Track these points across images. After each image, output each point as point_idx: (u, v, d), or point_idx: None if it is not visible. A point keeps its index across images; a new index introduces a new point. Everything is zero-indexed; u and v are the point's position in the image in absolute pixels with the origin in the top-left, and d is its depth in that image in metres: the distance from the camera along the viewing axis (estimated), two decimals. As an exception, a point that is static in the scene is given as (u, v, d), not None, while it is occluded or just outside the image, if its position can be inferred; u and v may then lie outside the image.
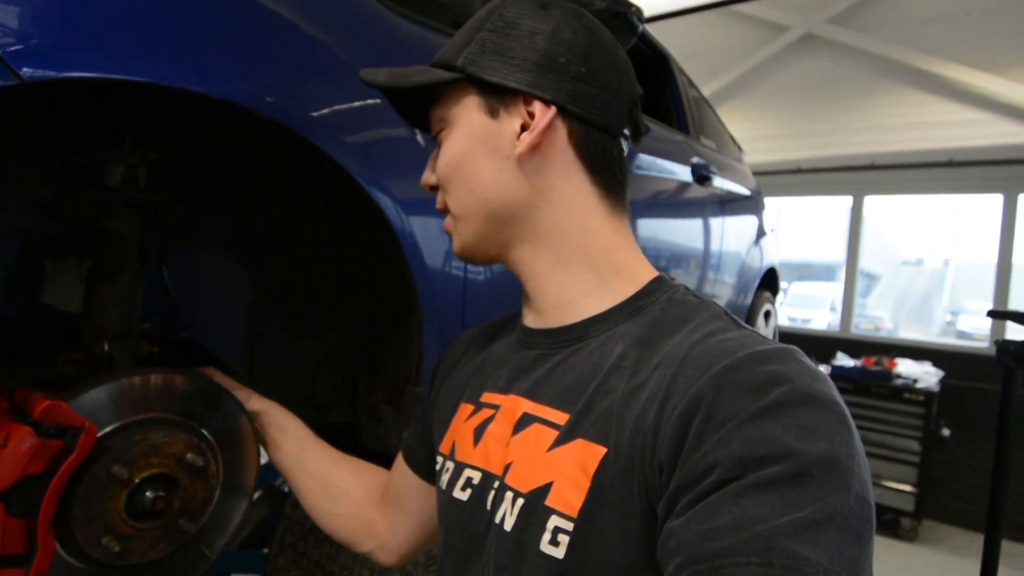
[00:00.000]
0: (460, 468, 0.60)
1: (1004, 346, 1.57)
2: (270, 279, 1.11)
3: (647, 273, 0.59)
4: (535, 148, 0.56)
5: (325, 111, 0.81)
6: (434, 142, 0.63)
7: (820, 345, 4.91)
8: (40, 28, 0.54)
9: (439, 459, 0.65)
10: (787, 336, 4.59)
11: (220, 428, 0.78)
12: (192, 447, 0.73)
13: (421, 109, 0.63)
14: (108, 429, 0.66)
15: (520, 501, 0.50)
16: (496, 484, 0.54)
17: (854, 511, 0.37)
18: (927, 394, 3.90)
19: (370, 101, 0.87)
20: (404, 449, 0.78)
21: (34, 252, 0.80)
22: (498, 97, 0.57)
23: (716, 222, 2.17)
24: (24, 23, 0.53)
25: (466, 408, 0.64)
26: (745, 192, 2.57)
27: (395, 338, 1.02)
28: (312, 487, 0.80)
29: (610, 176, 0.59)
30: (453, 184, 0.59)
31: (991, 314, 2.00)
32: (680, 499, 0.40)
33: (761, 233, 2.73)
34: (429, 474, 0.73)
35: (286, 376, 1.12)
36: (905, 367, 4.22)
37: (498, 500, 0.53)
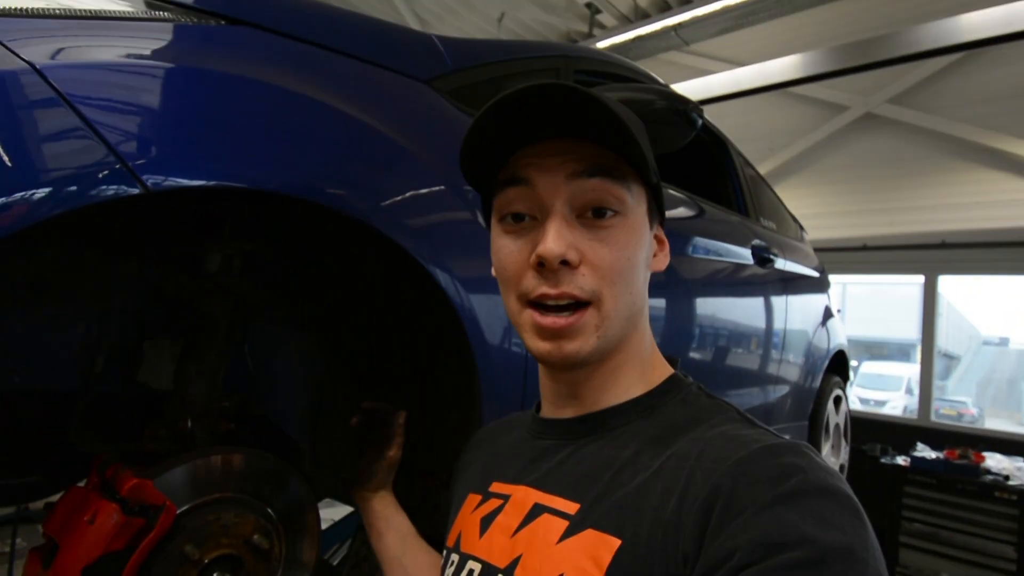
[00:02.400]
0: (464, 560, 0.58)
1: None
2: (338, 360, 1.15)
3: (664, 370, 0.60)
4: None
5: (402, 204, 0.86)
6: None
7: (897, 433, 4.58)
8: (160, 142, 0.61)
9: (444, 552, 0.63)
10: (861, 422, 4.29)
11: (286, 509, 0.80)
12: (259, 528, 0.75)
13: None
14: (184, 508, 0.69)
15: None
16: None
17: None
18: (1021, 493, 3.53)
19: (448, 196, 0.92)
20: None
21: (135, 333, 0.87)
22: (651, 213, 0.59)
23: (779, 303, 2.12)
24: (145, 137, 0.61)
25: (474, 498, 0.63)
26: (809, 272, 2.51)
27: (454, 420, 1.03)
28: None
29: None
30: (618, 281, 0.53)
31: None
32: None
33: (828, 314, 2.64)
34: None
35: (350, 456, 1.14)
36: (995, 461, 3.86)
37: None
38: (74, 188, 0.55)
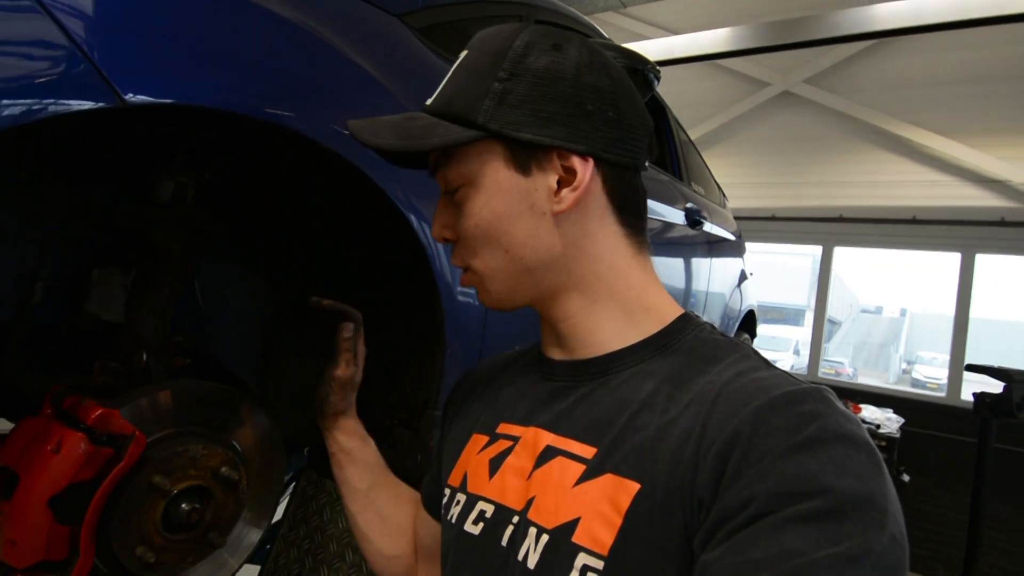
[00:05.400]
0: (473, 500, 0.57)
1: (981, 398, 1.68)
2: (290, 298, 1.12)
3: (673, 310, 0.58)
4: (574, 202, 0.55)
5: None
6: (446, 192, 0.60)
7: (788, 388, 5.05)
8: (143, 56, 0.57)
9: (447, 491, 0.62)
10: (757, 377, 4.69)
11: (251, 443, 0.79)
12: (227, 461, 0.74)
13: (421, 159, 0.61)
14: (152, 439, 0.67)
15: (545, 537, 0.49)
16: (515, 519, 0.52)
17: (888, 549, 0.38)
18: (889, 440, 4.04)
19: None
20: (424, 496, 0.74)
21: (82, 261, 0.81)
22: (528, 153, 0.54)
23: (704, 264, 2.26)
24: (127, 51, 0.56)
25: (479, 439, 0.62)
26: (730, 237, 2.68)
27: (414, 362, 1.05)
28: (371, 519, 0.75)
29: (636, 214, 0.59)
30: (483, 245, 0.56)
31: (970, 368, 2.11)
32: (717, 532, 0.41)
33: (743, 277, 2.84)
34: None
35: (298, 396, 1.13)
36: (869, 412, 4.37)
37: (519, 536, 0.51)
38: (49, 97, 0.50)
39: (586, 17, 1.62)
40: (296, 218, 1.05)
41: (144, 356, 0.78)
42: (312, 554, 1.18)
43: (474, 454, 0.61)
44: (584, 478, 0.49)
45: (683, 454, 0.45)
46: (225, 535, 0.75)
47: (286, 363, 1.14)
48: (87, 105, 0.53)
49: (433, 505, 0.71)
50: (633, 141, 0.57)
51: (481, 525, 0.55)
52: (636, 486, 0.46)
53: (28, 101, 0.50)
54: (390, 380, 1.08)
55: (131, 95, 0.55)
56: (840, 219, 5.14)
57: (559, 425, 0.55)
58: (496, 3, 1.27)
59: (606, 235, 0.57)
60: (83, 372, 0.76)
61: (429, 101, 0.58)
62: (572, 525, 0.47)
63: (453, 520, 0.58)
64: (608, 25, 6.20)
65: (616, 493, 0.46)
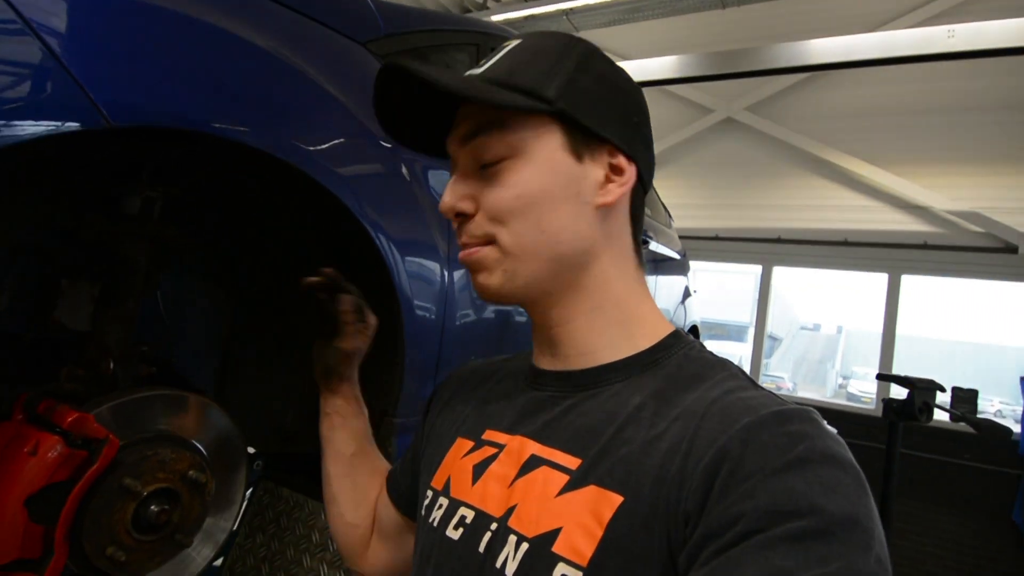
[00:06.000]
0: (455, 505, 0.57)
1: (889, 403, 1.85)
2: (249, 310, 1.16)
3: (664, 327, 0.59)
4: (617, 200, 0.56)
5: (325, 147, 0.88)
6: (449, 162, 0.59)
7: (731, 400, 5.27)
8: (127, 79, 0.62)
9: (429, 493, 0.62)
10: (702, 390, 4.89)
11: (217, 448, 0.83)
12: (194, 464, 0.78)
13: (435, 130, 0.59)
14: (124, 443, 0.70)
15: (524, 546, 0.48)
16: (493, 526, 0.52)
17: (873, 571, 0.38)
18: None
19: (369, 141, 0.97)
20: (389, 481, 0.76)
21: (50, 272, 0.83)
22: (585, 141, 0.54)
23: (650, 281, 2.38)
24: (111, 74, 0.61)
25: (464, 443, 0.62)
26: (674, 255, 2.83)
27: (374, 372, 1.10)
28: (346, 485, 0.76)
29: (640, 230, 0.61)
30: (519, 220, 0.54)
31: (879, 377, 2.33)
32: (704, 549, 0.40)
33: (687, 294, 2.99)
34: (407, 507, 0.72)
35: (256, 405, 1.16)
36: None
37: (497, 543, 0.51)
38: (39, 118, 0.54)
39: None
40: (257, 231, 1.08)
41: (111, 364, 0.80)
42: (269, 560, 1.20)
43: (458, 458, 0.61)
44: (567, 488, 0.49)
45: (669, 469, 0.45)
46: (191, 536, 0.78)
47: (243, 373, 1.17)
48: (74, 126, 0.57)
49: (394, 489, 0.73)
50: (652, 165, 0.60)
51: (461, 531, 0.54)
52: (619, 498, 0.46)
53: (19, 122, 0.54)
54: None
55: (115, 116, 0.59)
56: (779, 240, 5.44)
57: (545, 435, 0.54)
58: (453, 31, 1.35)
59: (622, 244, 0.58)
60: (44, 380, 0.78)
61: (481, 70, 0.55)
62: (553, 535, 0.47)
63: (435, 523, 0.58)
64: (563, 48, 6.39)
65: (599, 505, 0.46)
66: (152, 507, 0.73)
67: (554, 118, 0.54)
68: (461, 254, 0.57)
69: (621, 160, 0.55)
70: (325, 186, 0.86)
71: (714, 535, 0.40)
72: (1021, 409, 4.29)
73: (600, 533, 0.45)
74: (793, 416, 0.44)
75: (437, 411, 0.72)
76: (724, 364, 0.54)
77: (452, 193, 0.56)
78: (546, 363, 0.61)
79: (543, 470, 0.52)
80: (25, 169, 0.79)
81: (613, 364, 0.56)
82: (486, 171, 0.55)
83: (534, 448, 0.54)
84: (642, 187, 0.59)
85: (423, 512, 0.61)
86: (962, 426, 4.03)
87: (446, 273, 1.12)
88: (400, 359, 1.03)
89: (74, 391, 0.79)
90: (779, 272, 5.84)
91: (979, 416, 2.77)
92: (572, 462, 0.50)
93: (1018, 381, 4.48)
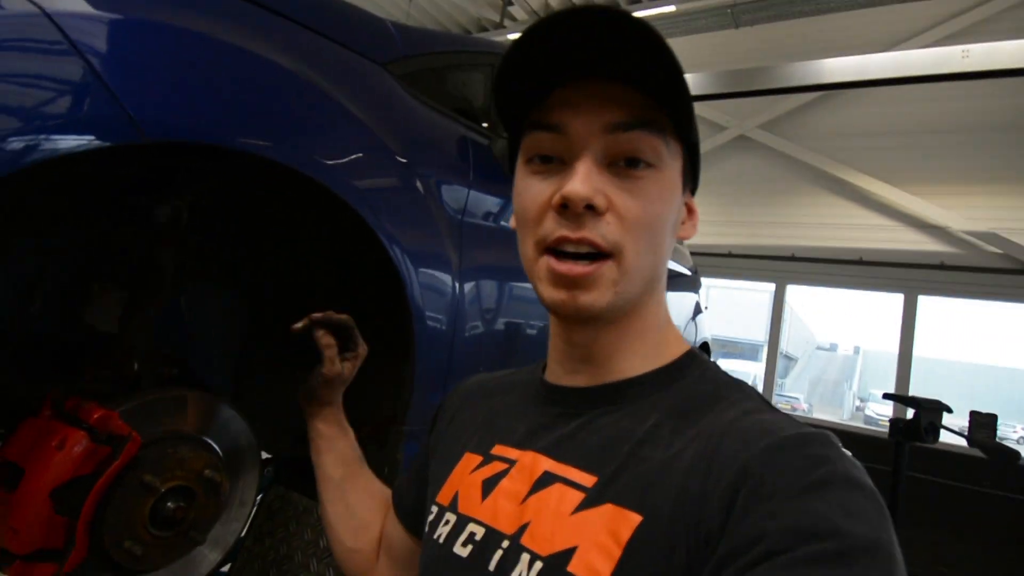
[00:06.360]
0: (463, 522, 0.55)
1: (895, 423, 1.85)
2: (266, 315, 1.19)
3: (681, 346, 0.58)
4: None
5: (345, 162, 0.92)
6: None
7: (743, 419, 5.23)
8: (163, 98, 0.66)
9: (434, 508, 0.60)
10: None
11: (232, 450, 0.86)
12: (210, 464, 0.81)
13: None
14: (146, 440, 0.74)
15: (538, 564, 0.47)
16: (505, 544, 0.51)
17: None
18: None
19: (386, 156, 1.01)
20: (394, 495, 0.75)
21: (80, 275, 0.88)
22: (690, 175, 0.56)
23: (660, 297, 2.39)
24: (150, 93, 0.65)
25: (472, 458, 0.60)
26: (685, 271, 2.84)
27: (384, 377, 1.12)
28: (339, 510, 0.76)
29: None
30: (645, 238, 0.51)
31: (886, 396, 2.31)
32: (725, 568, 0.40)
33: (698, 310, 2.99)
34: (414, 524, 0.70)
35: (271, 408, 1.19)
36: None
37: (509, 561, 0.49)
38: (80, 132, 0.58)
39: None
40: (276, 241, 1.13)
41: (135, 365, 0.84)
42: (277, 565, 1.22)
43: (466, 474, 0.59)
44: (583, 506, 0.48)
45: (689, 488, 0.44)
46: (205, 533, 0.81)
47: (259, 376, 1.20)
48: (111, 141, 0.61)
49: (400, 505, 0.72)
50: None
51: (470, 548, 0.53)
52: (638, 518, 0.45)
53: (62, 136, 0.58)
54: (359, 396, 1.15)
55: (151, 131, 0.63)
56: (792, 258, 5.41)
57: (559, 451, 0.53)
58: (469, 52, 1.40)
59: (666, 268, 0.58)
60: (71, 379, 0.81)
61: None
62: (568, 553, 0.46)
63: (441, 540, 0.56)
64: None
65: (616, 524, 0.45)
66: (169, 503, 0.76)
67: (681, 143, 0.52)
68: (564, 267, 0.50)
69: (691, 200, 0.57)
70: (344, 199, 0.89)
71: (736, 554, 0.39)
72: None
73: (618, 553, 0.44)
74: (813, 439, 0.44)
75: (444, 424, 0.70)
76: (740, 385, 0.53)
77: (587, 182, 0.48)
78: (560, 378, 0.59)
79: (557, 487, 0.50)
80: (60, 177, 0.83)
81: (629, 381, 0.55)
82: (625, 171, 0.50)
83: (547, 464, 0.53)
84: None
85: (427, 528, 0.59)
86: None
87: (457, 284, 1.15)
88: (411, 368, 1.05)
89: (99, 390, 0.82)
90: (793, 290, 5.81)
91: (998, 442, 2.74)
92: (587, 479, 0.49)
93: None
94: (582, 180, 0.48)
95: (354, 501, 0.77)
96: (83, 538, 0.67)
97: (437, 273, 1.11)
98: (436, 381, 1.13)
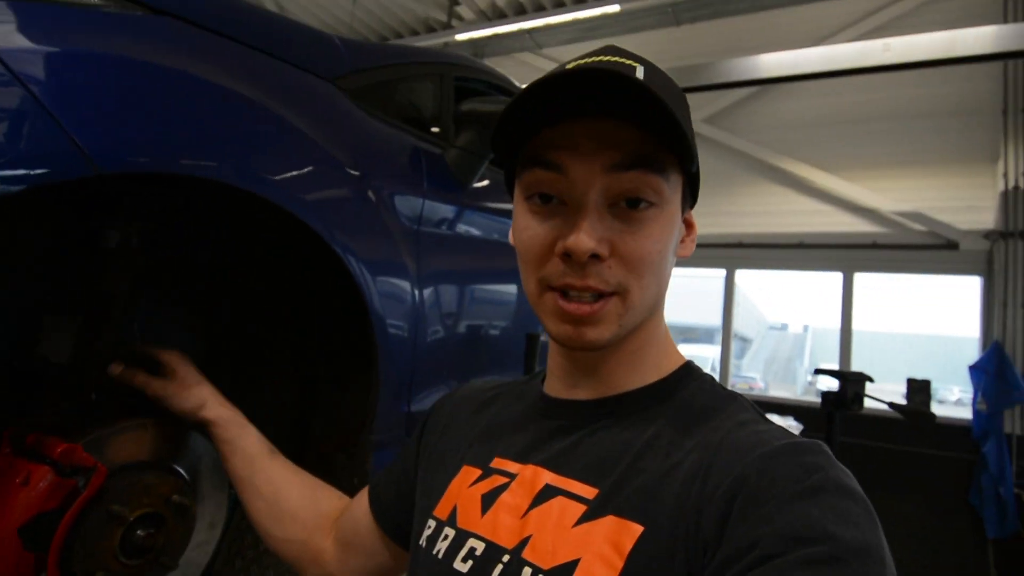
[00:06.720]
0: (463, 537, 0.55)
1: (826, 396, 2.02)
2: (224, 333, 1.19)
3: (677, 359, 0.59)
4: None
5: (292, 177, 0.93)
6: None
7: (701, 403, 5.42)
8: (113, 129, 0.66)
9: (431, 523, 0.60)
10: (673, 394, 5.03)
11: (197, 472, 0.86)
12: (177, 489, 0.81)
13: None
14: (111, 470, 0.74)
15: None
16: (506, 558, 0.51)
17: None
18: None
19: (336, 169, 1.02)
20: (372, 493, 0.76)
21: (31, 307, 0.86)
22: (690, 197, 0.57)
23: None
24: (100, 125, 0.65)
25: (471, 472, 0.60)
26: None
27: (349, 390, 1.14)
28: (260, 506, 0.77)
29: None
30: (650, 274, 0.52)
31: (817, 371, 2.51)
32: (722, 574, 0.41)
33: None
34: (387, 523, 0.72)
35: None
36: (776, 420, 4.76)
37: (510, 575, 0.49)
38: (31, 169, 0.58)
39: (503, 56, 1.78)
40: (234, 261, 1.12)
41: (93, 395, 0.83)
42: (257, 562, 1.22)
43: (465, 487, 0.59)
44: (585, 519, 0.48)
45: (687, 497, 0.45)
46: (177, 558, 0.81)
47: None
48: (64, 176, 0.61)
49: (377, 503, 0.73)
50: None
51: (470, 563, 0.53)
52: (639, 528, 0.46)
53: (14, 172, 0.58)
54: (325, 407, 1.16)
55: (104, 164, 0.63)
56: (740, 245, 5.62)
57: (559, 464, 0.54)
58: (418, 64, 1.42)
59: (666, 289, 0.57)
60: (27, 414, 0.80)
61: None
62: (571, 566, 0.46)
63: (440, 555, 0.56)
64: (524, 65, 6.54)
65: (618, 535, 0.46)
66: (139, 531, 0.76)
67: (681, 171, 0.54)
68: (571, 307, 0.51)
69: (689, 215, 0.59)
70: (298, 216, 0.91)
71: (732, 560, 0.40)
72: (976, 398, 4.50)
73: (621, 564, 0.45)
74: (806, 448, 0.46)
75: (436, 434, 0.70)
76: (735, 397, 0.55)
77: (591, 234, 0.49)
78: (559, 391, 0.60)
79: (559, 500, 0.51)
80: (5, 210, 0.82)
81: (628, 394, 0.56)
82: (627, 213, 0.50)
83: (548, 477, 0.53)
84: None
85: (424, 542, 0.59)
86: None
87: (416, 292, 1.18)
88: (375, 377, 1.07)
89: (58, 423, 0.82)
90: (742, 275, 6.03)
91: (916, 406, 2.96)
92: (589, 492, 0.50)
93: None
94: (586, 232, 0.48)
95: (270, 493, 0.78)
96: (54, 573, 0.67)
97: (396, 281, 1.13)
98: (401, 388, 1.15)
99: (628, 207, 0.50)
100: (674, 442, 0.50)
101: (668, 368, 0.57)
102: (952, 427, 4.76)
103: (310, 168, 0.97)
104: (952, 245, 4.91)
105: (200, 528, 0.86)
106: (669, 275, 0.55)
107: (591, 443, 0.54)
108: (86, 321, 0.87)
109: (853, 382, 2.02)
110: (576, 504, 0.50)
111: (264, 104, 0.90)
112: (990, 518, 4.18)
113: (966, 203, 4.90)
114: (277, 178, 0.89)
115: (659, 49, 5.90)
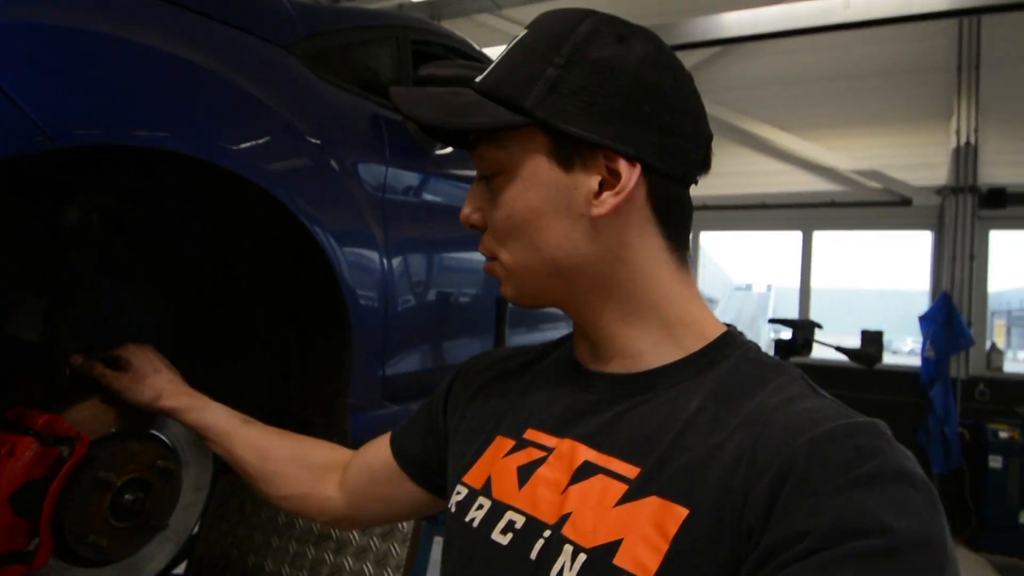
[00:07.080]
0: (501, 508, 0.54)
1: (778, 343, 2.13)
2: (195, 308, 1.19)
3: (716, 327, 0.56)
4: (615, 208, 0.52)
5: (253, 146, 0.93)
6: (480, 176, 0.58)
7: (669, 361, 5.59)
8: (68, 101, 0.66)
9: (463, 490, 0.59)
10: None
11: (178, 438, 0.89)
12: (161, 454, 0.84)
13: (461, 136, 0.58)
14: (94, 439, 0.76)
15: (582, 556, 0.46)
16: (547, 534, 0.50)
17: None
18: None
19: (296, 138, 1.03)
20: (395, 447, 0.75)
21: (-2, 285, 0.86)
22: (573, 148, 0.51)
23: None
24: (54, 98, 0.65)
25: (505, 442, 0.59)
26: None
27: (324, 356, 1.17)
28: (249, 472, 0.79)
29: (681, 227, 0.57)
30: (513, 239, 0.54)
31: (771, 321, 2.65)
32: (767, 564, 0.39)
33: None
34: (420, 475, 0.72)
35: (213, 397, 1.20)
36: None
37: (551, 552, 0.48)
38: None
39: (461, 18, 1.76)
40: (200, 236, 1.13)
41: (67, 370, 0.85)
42: (238, 546, 1.26)
43: (499, 458, 0.58)
44: (626, 499, 0.47)
45: (732, 480, 0.43)
46: (166, 519, 0.84)
47: (193, 374, 1.21)
48: (21, 150, 0.61)
49: (404, 457, 0.73)
50: (686, 151, 0.54)
51: (510, 535, 0.52)
52: (684, 511, 0.44)
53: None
54: (302, 374, 1.19)
55: (60, 137, 0.63)
56: (704, 207, 5.72)
57: (598, 440, 0.52)
58: (374, 28, 1.40)
59: (647, 247, 0.54)
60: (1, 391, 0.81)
61: (479, 78, 0.56)
62: (614, 546, 0.45)
63: (476, 524, 0.55)
64: (483, 27, 6.41)
65: (662, 517, 0.45)
66: (127, 496, 0.79)
67: (539, 128, 0.52)
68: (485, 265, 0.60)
69: (619, 164, 0.51)
70: (260, 184, 0.91)
71: (777, 551, 0.39)
72: (925, 346, 4.75)
73: (665, 547, 0.43)
74: (861, 430, 0.43)
75: (464, 397, 0.69)
76: (784, 367, 0.53)
77: (467, 204, 0.58)
78: (591, 362, 0.59)
79: (600, 478, 0.50)
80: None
81: (665, 367, 0.54)
82: (489, 183, 0.56)
83: (587, 454, 0.52)
84: (669, 178, 0.53)
85: (454, 509, 0.59)
86: (876, 367, 4.43)
87: (385, 260, 1.20)
88: (348, 344, 1.10)
89: (35, 399, 0.83)
90: (707, 236, 6.16)
91: (859, 349, 3.13)
92: (630, 471, 0.49)
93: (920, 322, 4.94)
94: (465, 204, 0.58)
95: (254, 459, 0.78)
96: (47, 536, 0.70)
97: (363, 251, 1.15)
98: (374, 353, 1.18)
99: (488, 180, 0.56)
100: (718, 417, 0.48)
101: (706, 337, 0.55)
102: (902, 373, 5.03)
103: (268, 138, 0.97)
104: (906, 201, 5.10)
105: (186, 491, 0.89)
106: (559, 236, 0.53)
107: (631, 419, 0.52)
108: (53, 299, 0.88)
109: (802, 328, 2.14)
110: (617, 483, 0.49)
111: (217, 72, 0.90)
112: (936, 456, 4.47)
113: (920, 160, 5.07)
114: (234, 148, 0.89)
115: (621, 9, 5.85)
